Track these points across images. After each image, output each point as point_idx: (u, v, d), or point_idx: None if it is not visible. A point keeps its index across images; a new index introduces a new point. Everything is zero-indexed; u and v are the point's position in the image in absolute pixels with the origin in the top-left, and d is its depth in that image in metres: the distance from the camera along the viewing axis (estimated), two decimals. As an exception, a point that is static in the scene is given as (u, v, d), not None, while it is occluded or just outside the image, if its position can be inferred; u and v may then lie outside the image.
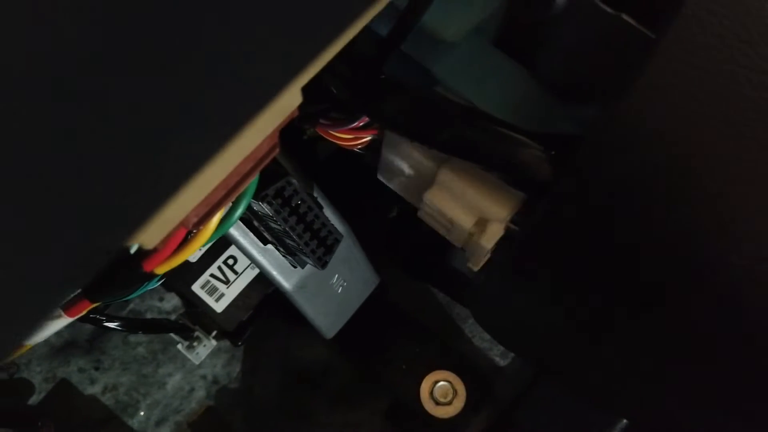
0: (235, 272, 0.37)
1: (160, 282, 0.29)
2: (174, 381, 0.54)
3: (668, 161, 0.20)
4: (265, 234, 0.30)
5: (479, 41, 0.28)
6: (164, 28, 0.12)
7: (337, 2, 0.17)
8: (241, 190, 0.23)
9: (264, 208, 0.27)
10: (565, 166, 0.24)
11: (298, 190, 0.27)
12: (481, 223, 0.26)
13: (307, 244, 0.28)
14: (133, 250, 0.22)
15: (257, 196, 0.26)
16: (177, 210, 0.19)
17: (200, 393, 0.55)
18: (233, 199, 0.23)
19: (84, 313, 0.24)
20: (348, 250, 0.35)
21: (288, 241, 0.29)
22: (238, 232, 0.31)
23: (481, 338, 0.43)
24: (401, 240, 0.41)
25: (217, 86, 0.14)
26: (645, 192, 0.22)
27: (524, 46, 0.27)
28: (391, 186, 0.29)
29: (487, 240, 0.25)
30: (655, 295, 0.23)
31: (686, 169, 0.20)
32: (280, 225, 0.27)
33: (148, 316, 0.54)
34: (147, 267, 0.22)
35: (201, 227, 0.22)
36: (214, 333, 0.42)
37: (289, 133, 0.29)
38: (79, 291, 0.23)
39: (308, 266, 0.32)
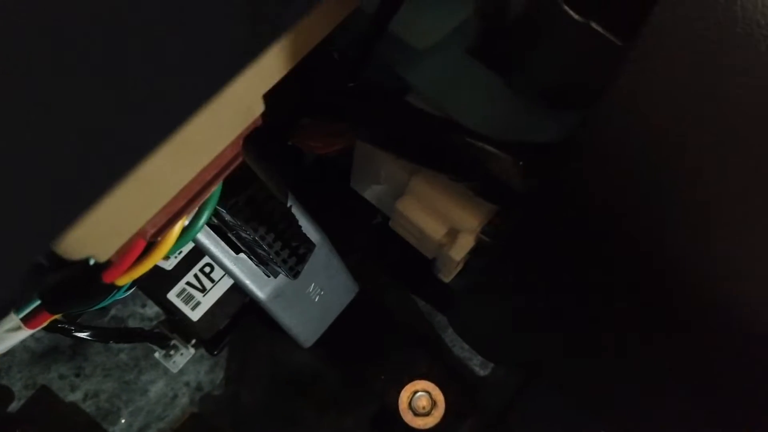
0: (212, 280, 0.37)
1: (129, 291, 0.29)
2: (157, 388, 0.53)
3: (647, 169, 0.20)
4: (237, 243, 0.30)
5: (453, 49, 0.27)
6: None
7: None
8: (204, 198, 0.22)
9: (233, 216, 0.26)
10: (537, 175, 0.24)
11: (270, 198, 0.27)
12: (452, 234, 0.25)
13: (278, 253, 0.27)
14: (92, 262, 0.21)
15: (227, 205, 0.26)
16: (129, 221, 0.19)
17: (184, 400, 0.55)
18: (196, 207, 0.23)
19: (45, 324, 0.23)
20: (325, 258, 0.34)
21: (259, 250, 0.28)
22: (209, 241, 0.30)
23: (461, 347, 0.43)
24: (385, 247, 0.41)
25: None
26: (622, 200, 0.21)
27: (498, 55, 0.27)
28: (364, 195, 0.29)
29: (456, 251, 0.25)
30: (631, 301, 0.23)
31: (665, 177, 0.20)
32: (249, 234, 0.27)
33: (130, 322, 0.54)
34: (107, 278, 0.21)
35: (161, 237, 0.22)
36: (193, 341, 0.42)
37: (267, 138, 0.28)
38: (38, 303, 0.23)
39: (282, 275, 0.31)
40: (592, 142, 0.21)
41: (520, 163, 0.23)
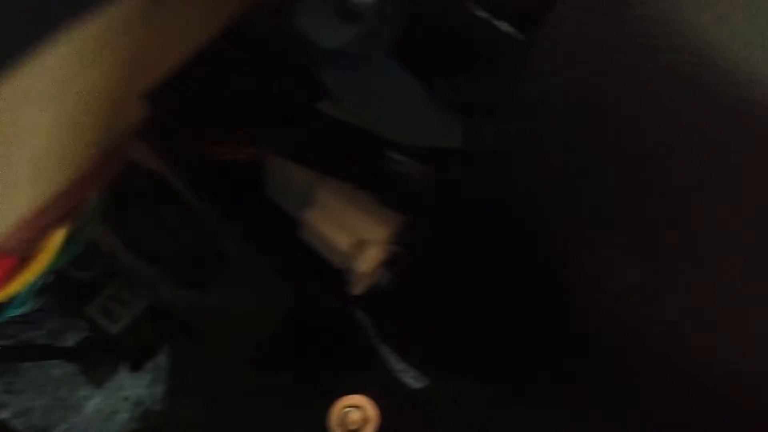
0: (134, 293, 0.35)
1: (26, 307, 0.27)
2: (93, 404, 0.51)
3: (545, 176, 0.19)
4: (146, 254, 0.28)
5: (371, 51, 0.26)
6: None
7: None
8: (82, 210, 0.21)
9: (132, 229, 0.25)
10: (446, 182, 0.23)
11: (179, 209, 0.26)
12: (360, 246, 0.24)
13: (184, 267, 0.26)
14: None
15: (124, 217, 0.24)
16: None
17: (123, 416, 0.53)
18: (73, 220, 0.21)
19: None
20: (250, 269, 0.33)
21: (169, 263, 0.27)
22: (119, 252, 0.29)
23: (396, 360, 0.41)
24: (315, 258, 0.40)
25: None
26: (520, 206, 0.20)
27: (416, 57, 0.26)
28: (280, 203, 0.28)
29: (363, 263, 0.24)
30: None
31: (562, 185, 0.19)
32: (155, 246, 0.26)
33: (70, 337, 0.52)
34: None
35: (33, 254, 0.20)
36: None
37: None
38: None
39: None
40: (490, 148, 0.20)
41: (432, 170, 0.22)
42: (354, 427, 0.38)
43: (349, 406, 0.38)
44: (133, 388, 0.53)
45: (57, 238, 0.21)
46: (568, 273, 0.20)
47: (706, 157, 0.18)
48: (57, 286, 0.36)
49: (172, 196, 0.25)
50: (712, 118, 0.17)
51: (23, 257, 0.21)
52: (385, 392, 0.39)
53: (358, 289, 0.25)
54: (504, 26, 0.20)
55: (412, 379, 0.44)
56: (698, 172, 0.18)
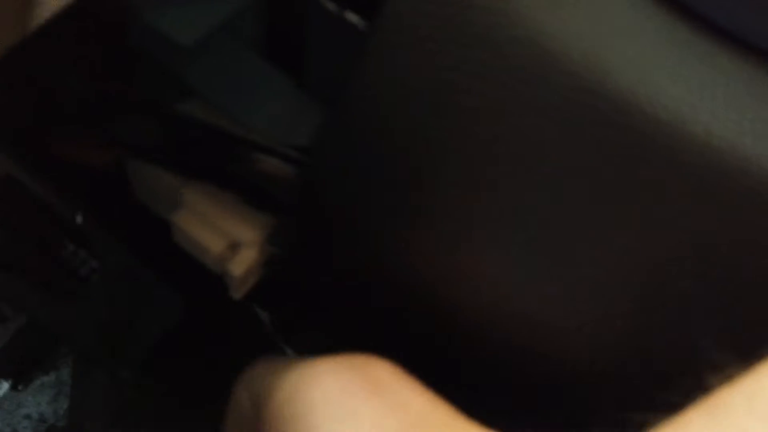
0: (14, 308, 0.33)
1: None
2: (-10, 425, 0.49)
3: (377, 175, 0.19)
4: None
5: (234, 46, 0.25)
6: None
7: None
8: None
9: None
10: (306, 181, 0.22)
11: (39, 217, 0.24)
12: (234, 248, 0.23)
13: (50, 279, 0.25)
14: None
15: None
16: None
17: (26, 434, 0.50)
18: None
19: None
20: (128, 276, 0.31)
21: (33, 275, 0.25)
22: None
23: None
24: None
25: None
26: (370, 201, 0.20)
27: (281, 51, 0.25)
28: (149, 207, 0.26)
29: (236, 265, 0.23)
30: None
31: (394, 185, 0.19)
32: (16, 258, 0.24)
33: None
34: None
35: None
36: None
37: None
38: None
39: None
40: (325, 142, 0.19)
41: (290, 169, 0.22)
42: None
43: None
44: (34, 405, 0.51)
45: None
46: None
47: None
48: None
49: (30, 203, 0.24)
50: (552, 107, 0.18)
51: None
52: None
53: (238, 293, 0.24)
54: (352, 17, 0.20)
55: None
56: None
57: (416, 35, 0.18)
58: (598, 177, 0.18)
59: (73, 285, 0.26)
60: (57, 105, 0.22)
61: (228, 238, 0.23)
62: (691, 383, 0.15)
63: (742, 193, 0.17)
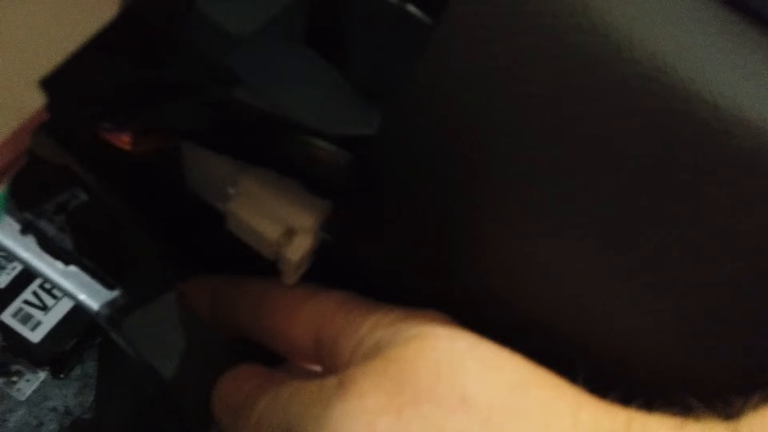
0: (54, 297, 0.34)
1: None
2: (16, 417, 0.49)
3: (440, 166, 0.19)
4: (63, 254, 0.27)
5: (282, 37, 0.26)
6: None
7: None
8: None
9: (46, 225, 0.24)
10: (365, 169, 0.23)
11: (90, 204, 0.25)
12: (289, 234, 0.24)
13: (100, 266, 0.25)
14: None
15: (37, 212, 0.23)
16: None
17: (52, 427, 0.51)
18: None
19: None
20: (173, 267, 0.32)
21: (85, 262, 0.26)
22: (28, 254, 0.27)
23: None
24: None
25: None
26: (434, 188, 0.21)
27: (331, 43, 0.26)
28: (202, 196, 0.27)
29: (293, 252, 0.23)
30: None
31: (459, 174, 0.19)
32: (67, 245, 0.24)
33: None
34: None
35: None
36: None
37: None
38: None
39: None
40: (389, 134, 0.20)
41: (347, 157, 0.22)
42: None
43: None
44: (60, 398, 0.51)
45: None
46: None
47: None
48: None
49: (81, 192, 0.24)
50: (612, 95, 0.18)
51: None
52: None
53: (291, 279, 0.25)
54: (412, 9, 0.20)
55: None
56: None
57: (476, 24, 0.18)
58: (658, 163, 0.19)
59: (119, 273, 0.26)
60: (107, 94, 0.23)
61: (283, 224, 0.24)
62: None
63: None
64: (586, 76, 0.18)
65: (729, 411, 0.18)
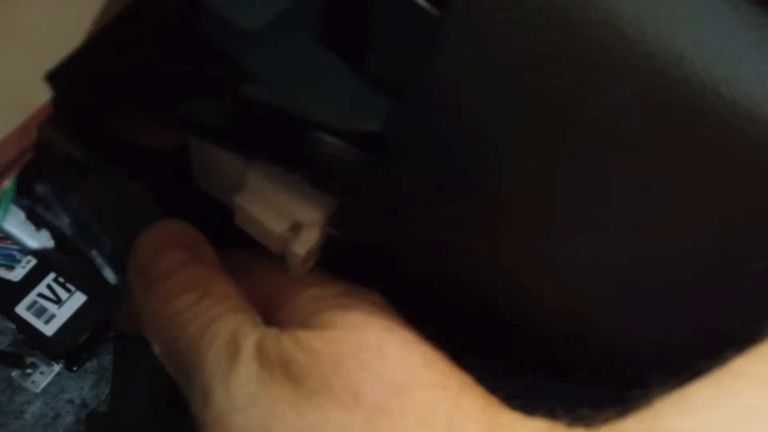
0: (68, 290, 0.34)
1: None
2: (34, 408, 0.50)
3: (454, 161, 0.19)
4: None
5: (294, 32, 0.26)
6: None
7: None
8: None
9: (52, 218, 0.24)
10: (372, 164, 0.23)
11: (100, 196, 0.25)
12: (296, 229, 0.24)
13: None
14: None
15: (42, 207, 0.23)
16: None
17: (68, 419, 0.51)
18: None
19: None
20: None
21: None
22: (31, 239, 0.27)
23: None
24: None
25: None
26: (446, 185, 0.20)
27: (341, 38, 0.26)
28: (207, 190, 0.27)
29: (299, 246, 0.23)
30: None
31: (472, 172, 0.19)
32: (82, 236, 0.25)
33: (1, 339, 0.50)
34: None
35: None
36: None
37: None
38: None
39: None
40: (396, 128, 0.20)
41: (356, 153, 0.22)
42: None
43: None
44: (77, 390, 0.52)
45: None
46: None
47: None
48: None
49: (91, 183, 0.24)
50: (628, 89, 0.18)
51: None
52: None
53: (297, 274, 0.25)
54: (423, 3, 0.20)
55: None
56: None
57: (491, 18, 0.18)
58: (674, 158, 0.18)
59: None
60: (122, 88, 0.23)
61: (290, 219, 0.24)
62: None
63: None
64: (601, 71, 0.18)
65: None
